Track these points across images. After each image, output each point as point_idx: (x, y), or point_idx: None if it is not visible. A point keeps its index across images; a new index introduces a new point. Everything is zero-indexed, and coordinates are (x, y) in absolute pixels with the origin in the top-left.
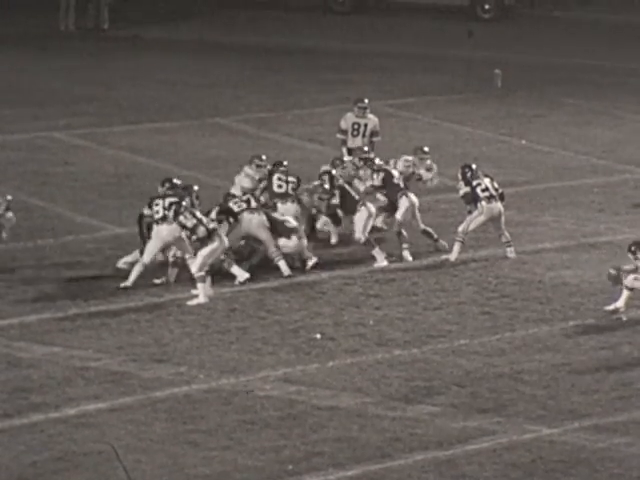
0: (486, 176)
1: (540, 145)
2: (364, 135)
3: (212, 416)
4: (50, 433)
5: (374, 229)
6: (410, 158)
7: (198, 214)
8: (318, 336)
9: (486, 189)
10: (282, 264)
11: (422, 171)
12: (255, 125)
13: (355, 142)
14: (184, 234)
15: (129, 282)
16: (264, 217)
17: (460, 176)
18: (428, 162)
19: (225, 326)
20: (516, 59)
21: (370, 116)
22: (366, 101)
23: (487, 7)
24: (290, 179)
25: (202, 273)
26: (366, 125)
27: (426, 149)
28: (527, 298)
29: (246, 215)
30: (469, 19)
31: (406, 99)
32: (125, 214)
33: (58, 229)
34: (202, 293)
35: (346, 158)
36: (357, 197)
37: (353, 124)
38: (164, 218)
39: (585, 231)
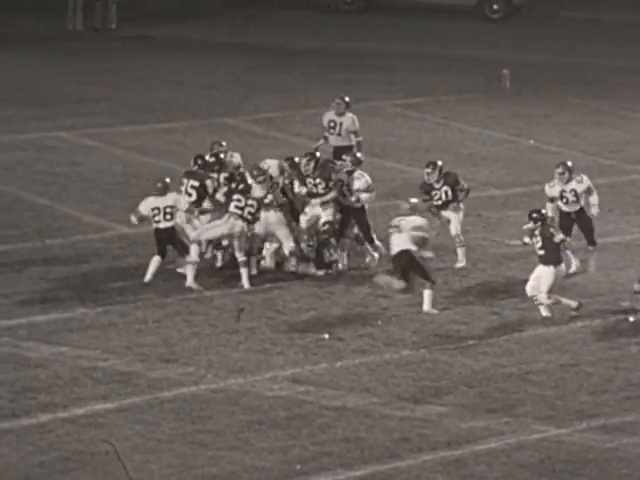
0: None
1: (548, 145)
2: (339, 134)
3: (220, 416)
4: (58, 433)
5: None
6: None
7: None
8: (326, 336)
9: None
10: (292, 260)
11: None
12: (263, 125)
13: (336, 141)
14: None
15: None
16: (280, 214)
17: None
18: None
19: (233, 326)
20: (524, 59)
21: (348, 114)
22: (347, 99)
23: (495, 7)
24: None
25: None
26: (341, 124)
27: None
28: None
29: (262, 214)
30: (477, 19)
31: (414, 99)
32: None
33: (66, 229)
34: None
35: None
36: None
37: (329, 122)
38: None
39: None
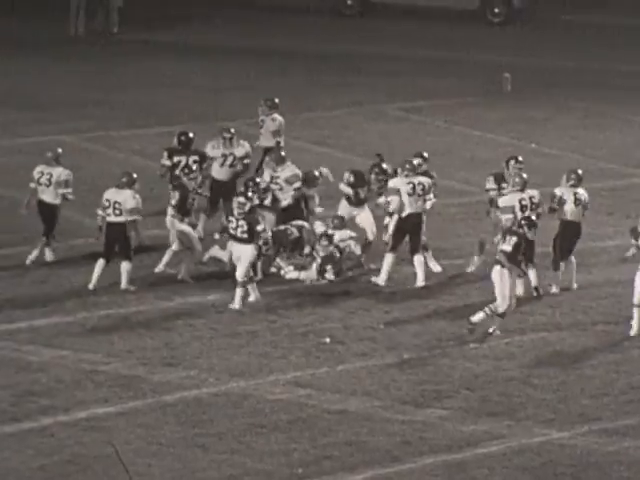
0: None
1: (549, 148)
2: (261, 133)
3: (222, 420)
4: (59, 437)
5: None
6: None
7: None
8: (327, 340)
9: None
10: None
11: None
12: None
13: (262, 140)
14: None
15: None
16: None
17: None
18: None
19: (235, 330)
20: (525, 62)
21: (274, 115)
22: (275, 100)
23: (497, 11)
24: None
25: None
26: (265, 122)
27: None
28: (536, 301)
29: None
30: (479, 22)
31: (416, 102)
32: None
33: (67, 232)
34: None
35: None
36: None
37: (260, 121)
38: None
39: (594, 234)
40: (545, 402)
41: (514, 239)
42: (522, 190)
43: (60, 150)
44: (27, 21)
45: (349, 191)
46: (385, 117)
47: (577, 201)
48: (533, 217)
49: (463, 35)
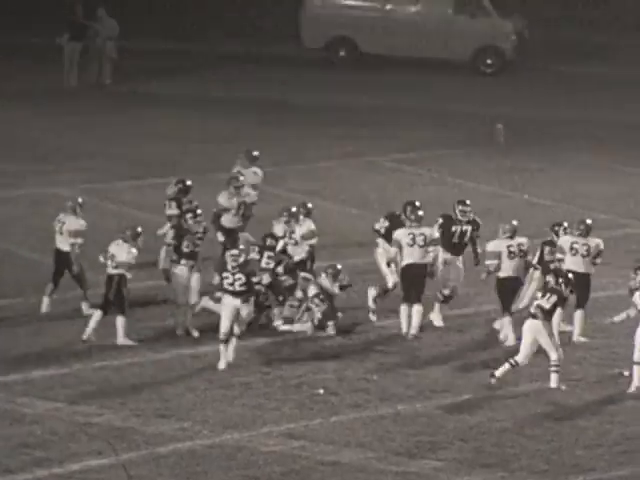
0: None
1: (542, 199)
2: (243, 186)
3: (216, 472)
4: None
5: None
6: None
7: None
8: (321, 391)
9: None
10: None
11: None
12: None
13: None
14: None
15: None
16: None
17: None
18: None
19: (228, 381)
20: (518, 114)
21: (255, 168)
22: (255, 153)
23: (489, 62)
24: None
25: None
26: (247, 175)
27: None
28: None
29: None
30: (471, 73)
31: (409, 154)
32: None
33: (61, 285)
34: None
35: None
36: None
37: (237, 172)
38: None
39: None
40: (539, 453)
41: (554, 298)
42: (511, 237)
43: (80, 200)
44: (20, 73)
45: (385, 245)
46: (379, 168)
47: (573, 250)
48: (570, 275)
49: (456, 86)
